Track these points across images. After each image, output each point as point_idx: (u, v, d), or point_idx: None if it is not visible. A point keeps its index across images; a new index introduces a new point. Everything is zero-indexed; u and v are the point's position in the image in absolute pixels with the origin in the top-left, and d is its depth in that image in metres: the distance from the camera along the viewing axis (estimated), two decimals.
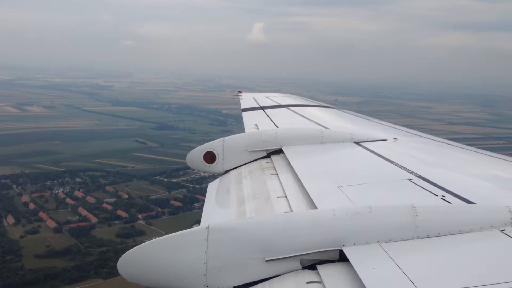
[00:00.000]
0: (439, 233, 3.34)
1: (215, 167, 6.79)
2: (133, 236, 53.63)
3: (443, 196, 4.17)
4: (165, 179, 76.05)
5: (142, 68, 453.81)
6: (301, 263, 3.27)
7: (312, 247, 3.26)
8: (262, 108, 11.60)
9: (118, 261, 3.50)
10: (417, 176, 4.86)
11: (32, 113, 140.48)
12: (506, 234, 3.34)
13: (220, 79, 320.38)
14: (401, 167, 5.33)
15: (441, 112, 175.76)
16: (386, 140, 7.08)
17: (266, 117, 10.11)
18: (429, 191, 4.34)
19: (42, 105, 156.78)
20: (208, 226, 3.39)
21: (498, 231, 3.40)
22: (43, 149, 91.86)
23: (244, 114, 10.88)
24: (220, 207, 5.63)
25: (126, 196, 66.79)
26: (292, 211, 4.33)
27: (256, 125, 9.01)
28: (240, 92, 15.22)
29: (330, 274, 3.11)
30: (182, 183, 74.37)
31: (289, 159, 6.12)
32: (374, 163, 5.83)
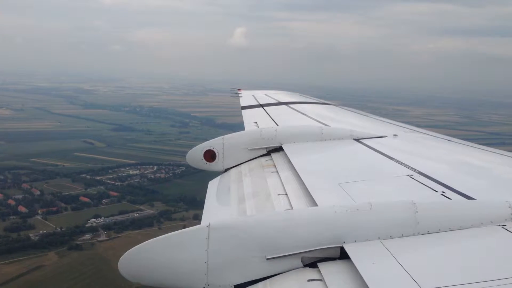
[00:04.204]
0: (439, 229, 3.35)
1: (215, 165, 6.78)
2: (21, 230, 54.19)
3: (443, 192, 4.18)
4: (89, 177, 76.52)
5: (135, 74, 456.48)
6: (302, 261, 3.27)
7: (313, 244, 3.25)
8: (262, 105, 11.69)
9: (119, 261, 3.47)
10: (417, 172, 4.86)
11: None
12: (507, 230, 3.34)
13: (209, 84, 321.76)
14: (401, 163, 5.35)
15: (414, 115, 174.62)
16: (386, 136, 7.11)
17: (266, 115, 10.17)
18: (429, 187, 4.36)
19: (11, 108, 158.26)
20: (209, 225, 3.39)
21: (499, 226, 3.39)
22: None
23: (244, 112, 10.90)
24: (221, 206, 5.62)
25: (38, 192, 67.30)
26: (292, 208, 4.34)
27: (255, 123, 9.07)
28: (239, 90, 15.38)
29: (331, 271, 3.11)
30: (104, 180, 74.88)
31: (289, 157, 6.11)
32: (374, 159, 5.86)
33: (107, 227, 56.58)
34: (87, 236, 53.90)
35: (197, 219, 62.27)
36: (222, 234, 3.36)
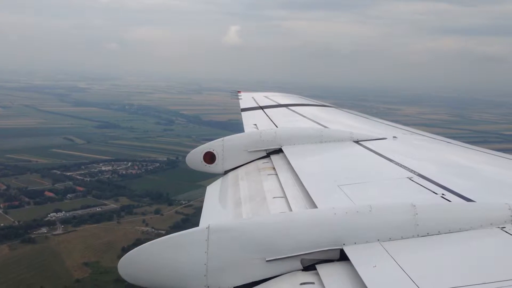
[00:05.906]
0: (439, 231, 3.36)
1: (215, 167, 6.81)
2: None
3: (442, 194, 4.19)
4: (59, 172, 76.73)
5: (133, 72, 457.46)
6: (301, 263, 3.28)
7: (313, 246, 3.26)
8: (261, 107, 11.74)
9: (119, 262, 3.48)
10: (417, 175, 4.89)
11: None
12: (506, 232, 3.35)
13: (206, 82, 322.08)
14: (400, 165, 5.37)
15: (404, 114, 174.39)
16: (385, 138, 7.14)
17: (266, 117, 10.23)
18: (429, 190, 4.38)
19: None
20: (209, 226, 3.39)
21: (498, 228, 3.41)
22: None
23: (244, 114, 10.98)
24: (219, 208, 5.64)
25: (4, 187, 67.58)
26: (292, 210, 4.35)
27: (255, 125, 9.14)
28: (239, 92, 15.33)
29: (330, 273, 3.12)
30: (73, 176, 75.05)
31: (288, 159, 6.15)
32: (374, 161, 5.88)
33: (65, 221, 56.75)
34: (43, 230, 54.08)
35: (158, 213, 62.49)
36: (221, 236, 3.37)
